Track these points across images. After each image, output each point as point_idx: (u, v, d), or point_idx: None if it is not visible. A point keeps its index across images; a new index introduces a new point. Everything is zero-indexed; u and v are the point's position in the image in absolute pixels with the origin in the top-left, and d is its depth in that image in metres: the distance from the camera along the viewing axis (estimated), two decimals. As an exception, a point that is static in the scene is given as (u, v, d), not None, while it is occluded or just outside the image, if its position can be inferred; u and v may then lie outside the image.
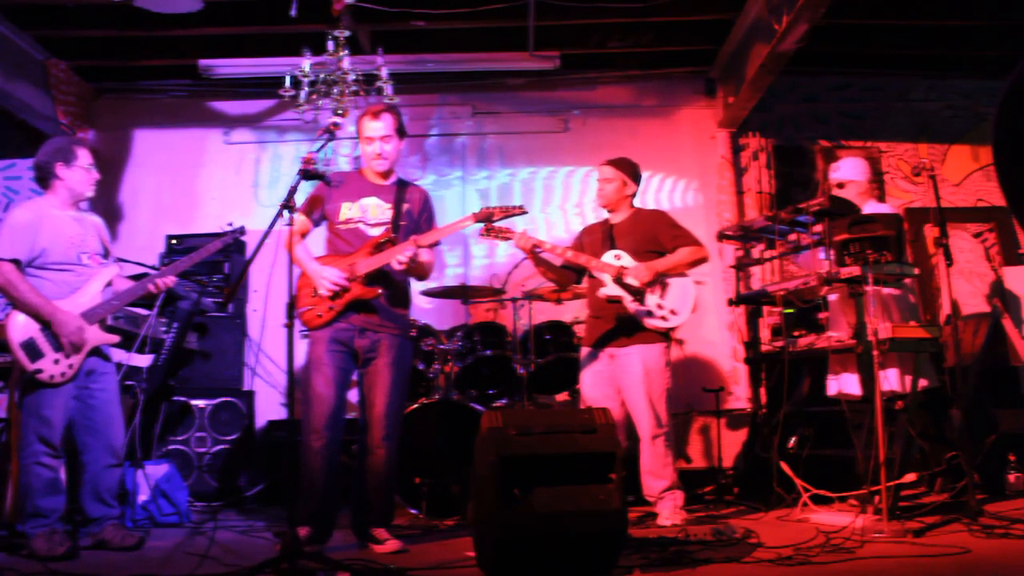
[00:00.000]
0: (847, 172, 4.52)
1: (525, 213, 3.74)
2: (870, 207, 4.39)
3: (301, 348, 4.22)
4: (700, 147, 6.44)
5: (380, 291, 3.56)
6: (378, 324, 3.57)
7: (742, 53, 5.77)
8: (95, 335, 3.56)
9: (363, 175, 3.75)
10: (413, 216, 3.71)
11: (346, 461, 3.75)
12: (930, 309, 6.10)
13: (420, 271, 3.69)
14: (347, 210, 3.65)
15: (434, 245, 3.71)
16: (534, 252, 4.07)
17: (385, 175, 3.73)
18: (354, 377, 3.67)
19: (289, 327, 3.07)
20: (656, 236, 4.15)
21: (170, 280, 3.67)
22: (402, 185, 3.76)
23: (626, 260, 4.10)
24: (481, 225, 3.77)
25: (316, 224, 3.72)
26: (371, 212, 3.66)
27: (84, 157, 3.67)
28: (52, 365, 3.43)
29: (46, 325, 3.43)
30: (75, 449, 3.60)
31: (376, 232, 3.63)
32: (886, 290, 4.14)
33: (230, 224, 3.95)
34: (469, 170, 6.47)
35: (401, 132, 3.72)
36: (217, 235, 3.95)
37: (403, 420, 4.33)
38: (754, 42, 5.50)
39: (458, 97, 6.50)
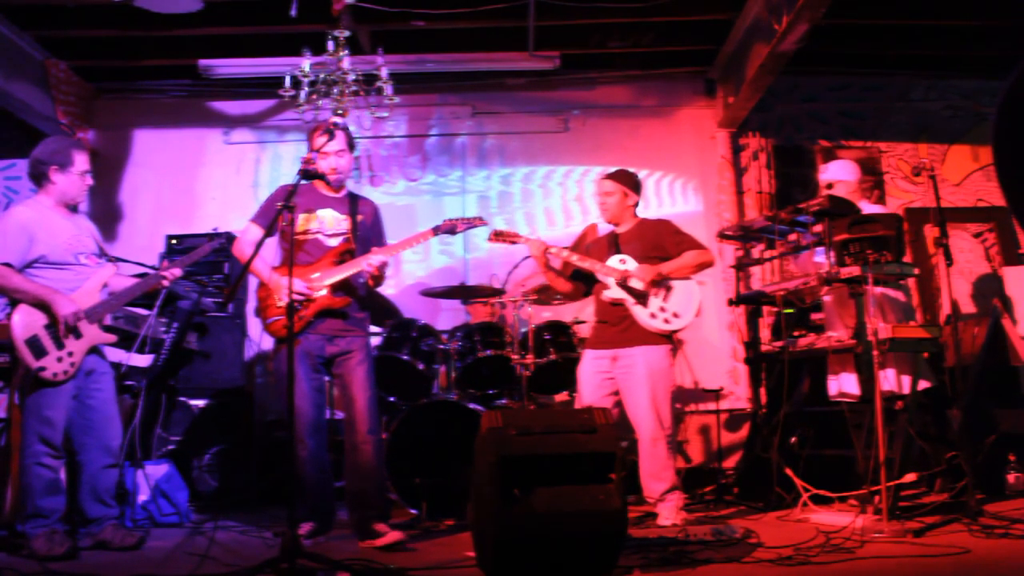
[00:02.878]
0: (835, 173, 4.53)
1: (485, 224, 3.98)
2: (864, 208, 4.38)
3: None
4: (700, 147, 6.45)
5: (350, 300, 3.69)
6: (345, 329, 3.69)
7: (742, 53, 5.78)
8: (94, 334, 3.56)
9: (315, 187, 3.80)
10: (367, 227, 3.83)
11: (336, 458, 3.81)
12: (930, 309, 6.10)
13: (381, 279, 3.80)
14: (304, 222, 3.71)
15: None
16: (546, 259, 4.12)
17: (337, 188, 3.81)
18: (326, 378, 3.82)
19: (289, 327, 3.07)
20: (661, 243, 4.15)
21: (177, 272, 3.74)
22: (353, 198, 3.86)
23: (631, 264, 4.10)
24: (444, 235, 3.93)
25: (270, 234, 3.60)
26: (328, 223, 3.75)
27: (80, 163, 3.66)
28: (55, 363, 3.43)
29: (44, 309, 3.42)
30: (73, 449, 3.60)
31: (334, 243, 3.73)
32: (879, 289, 4.13)
33: (215, 229, 4.06)
34: (469, 170, 6.48)
35: (351, 147, 3.84)
36: (209, 235, 4.03)
37: (403, 419, 4.38)
38: (754, 42, 5.50)
39: (458, 97, 6.50)
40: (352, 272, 3.65)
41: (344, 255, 3.70)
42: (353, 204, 3.82)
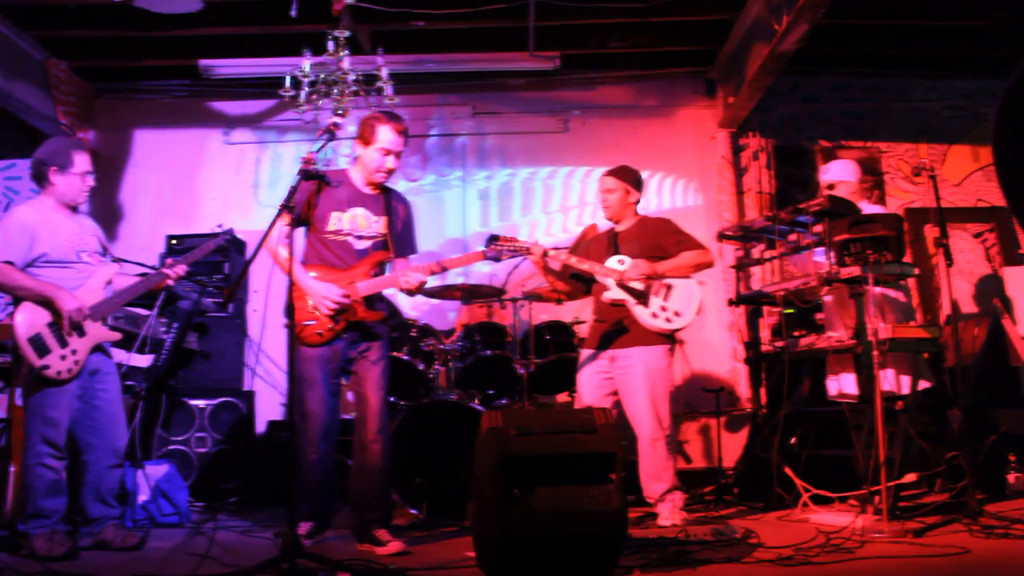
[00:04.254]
0: (836, 173, 4.53)
1: (531, 254, 3.84)
2: (864, 208, 4.38)
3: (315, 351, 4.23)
4: (700, 147, 6.45)
5: (384, 314, 3.62)
6: (367, 336, 3.63)
7: (742, 53, 5.78)
8: (98, 331, 3.56)
9: (351, 181, 3.66)
10: (400, 224, 3.71)
11: (342, 459, 3.79)
12: (930, 309, 6.10)
13: (416, 293, 3.69)
14: (336, 220, 3.58)
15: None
16: (544, 262, 4.09)
17: (376, 185, 3.68)
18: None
19: (290, 328, 3.07)
20: (660, 242, 4.14)
21: (181, 270, 3.71)
22: (387, 194, 3.71)
23: (628, 264, 4.09)
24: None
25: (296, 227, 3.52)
26: (360, 223, 3.61)
27: (81, 164, 3.65)
28: (59, 361, 3.42)
29: (48, 306, 3.42)
30: (77, 449, 3.60)
31: (363, 245, 3.61)
32: (879, 289, 4.13)
33: (220, 226, 4.02)
34: (469, 170, 6.48)
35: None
36: (212, 235, 4.01)
37: (403, 419, 4.38)
38: (754, 42, 5.50)
39: (458, 97, 6.50)
40: (386, 285, 3.56)
41: (380, 265, 3.62)
42: (388, 202, 3.67)
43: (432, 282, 5.94)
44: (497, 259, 3.75)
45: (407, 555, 3.35)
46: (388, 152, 3.57)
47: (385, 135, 3.55)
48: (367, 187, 3.65)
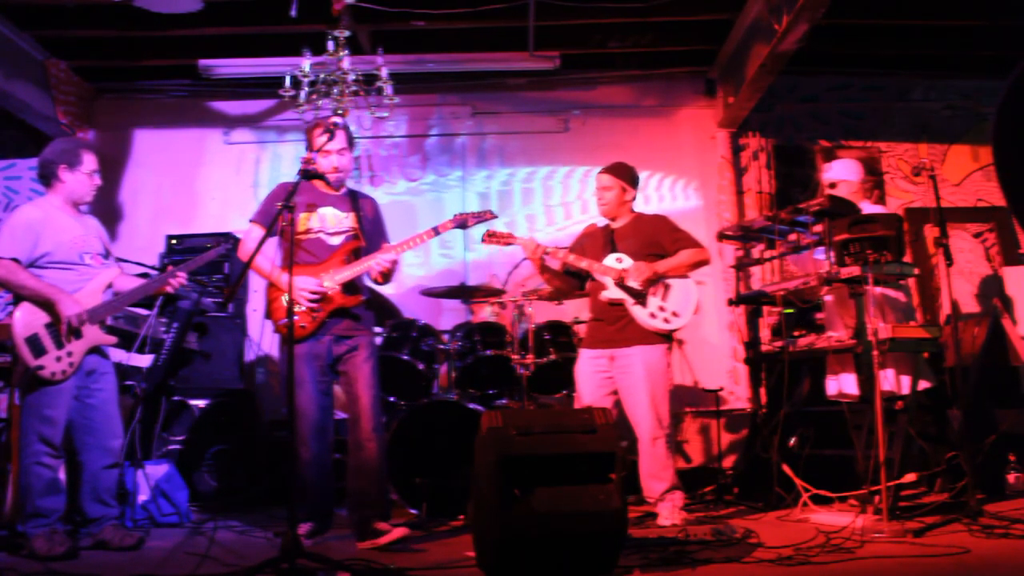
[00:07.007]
0: (839, 172, 4.53)
1: (496, 217, 3.96)
2: (864, 208, 4.39)
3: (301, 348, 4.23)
4: (700, 147, 6.45)
5: (361, 299, 3.68)
6: (353, 328, 3.68)
7: (742, 53, 5.78)
8: (95, 335, 3.57)
9: (315, 186, 3.76)
10: (369, 222, 3.80)
11: (341, 458, 3.80)
12: (930, 309, 6.10)
13: (391, 276, 3.75)
14: (304, 221, 3.67)
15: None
16: (541, 259, 4.10)
17: (337, 186, 3.79)
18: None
19: (289, 326, 3.07)
20: (657, 240, 4.14)
21: (182, 278, 3.73)
22: (354, 195, 3.84)
23: (627, 263, 4.09)
24: (457, 229, 3.87)
25: (271, 234, 3.50)
26: (329, 222, 3.72)
27: (89, 163, 3.70)
28: (54, 362, 3.43)
29: (48, 308, 3.43)
30: (73, 449, 3.61)
31: (336, 241, 3.71)
32: (879, 289, 4.13)
33: (225, 244, 4.09)
34: (469, 170, 6.48)
35: (352, 145, 3.80)
36: (212, 235, 4.02)
37: (403, 419, 4.38)
38: (754, 42, 5.50)
39: (458, 97, 6.50)
40: (364, 269, 3.65)
41: (353, 253, 3.69)
42: (355, 201, 3.80)
43: (432, 282, 5.98)
44: (464, 227, 3.84)
45: (410, 551, 3.35)
46: (328, 153, 3.68)
47: (317, 140, 3.67)
48: (329, 190, 3.77)
